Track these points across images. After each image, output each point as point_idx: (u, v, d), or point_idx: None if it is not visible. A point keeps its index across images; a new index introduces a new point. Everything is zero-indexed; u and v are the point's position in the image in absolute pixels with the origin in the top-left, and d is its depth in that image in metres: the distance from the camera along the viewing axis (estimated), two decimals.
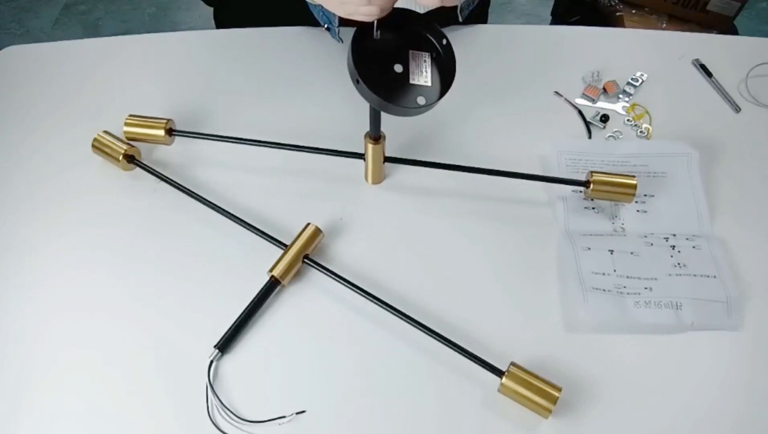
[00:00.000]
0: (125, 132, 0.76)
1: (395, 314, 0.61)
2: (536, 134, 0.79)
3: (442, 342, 0.59)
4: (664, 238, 0.68)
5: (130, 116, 0.76)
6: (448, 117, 0.80)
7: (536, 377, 0.56)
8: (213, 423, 0.57)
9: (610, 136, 0.79)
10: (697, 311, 0.62)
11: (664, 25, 1.38)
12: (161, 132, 0.75)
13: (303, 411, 0.58)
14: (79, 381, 0.60)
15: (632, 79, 0.84)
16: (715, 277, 0.65)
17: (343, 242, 0.70)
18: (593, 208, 0.72)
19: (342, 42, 0.83)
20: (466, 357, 0.58)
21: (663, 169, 0.74)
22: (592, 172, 0.68)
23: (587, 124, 0.80)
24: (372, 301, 0.62)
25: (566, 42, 0.90)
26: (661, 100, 0.82)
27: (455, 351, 0.58)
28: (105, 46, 0.92)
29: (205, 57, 0.89)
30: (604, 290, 0.64)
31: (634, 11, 1.40)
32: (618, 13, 1.40)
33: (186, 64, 0.88)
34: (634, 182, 0.68)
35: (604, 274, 0.65)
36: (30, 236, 0.71)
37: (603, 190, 0.68)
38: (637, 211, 0.71)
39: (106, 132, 0.75)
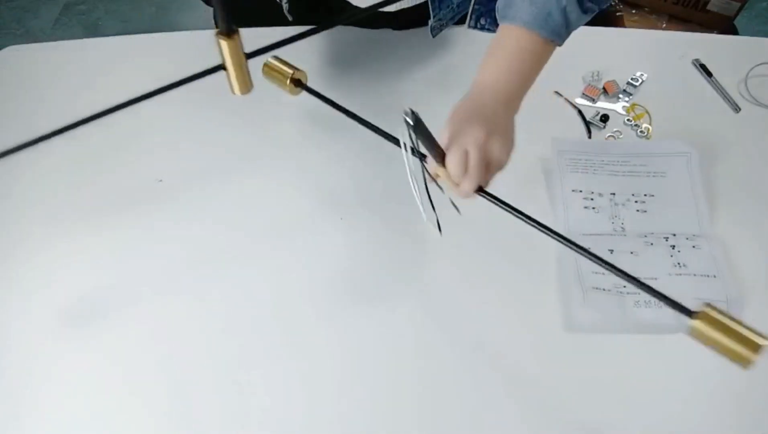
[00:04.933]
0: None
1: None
2: (536, 134, 0.78)
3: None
4: (664, 238, 0.68)
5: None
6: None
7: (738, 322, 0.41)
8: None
9: (610, 136, 0.79)
10: None
11: (664, 25, 1.37)
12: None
13: None
14: (79, 381, 0.60)
15: (632, 79, 0.84)
16: (715, 277, 0.65)
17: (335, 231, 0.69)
18: (593, 208, 0.72)
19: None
20: None
21: (663, 169, 0.74)
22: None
23: (587, 124, 0.80)
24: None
25: (566, 42, 0.90)
26: (661, 100, 0.82)
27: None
28: (105, 46, 0.92)
29: (204, 57, 0.89)
30: (603, 289, 0.64)
31: (634, 11, 1.40)
32: (618, 13, 1.40)
33: (186, 64, 0.88)
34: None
35: (603, 274, 0.65)
36: (30, 237, 0.71)
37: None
38: (637, 211, 0.71)
39: (275, 57, 0.67)
